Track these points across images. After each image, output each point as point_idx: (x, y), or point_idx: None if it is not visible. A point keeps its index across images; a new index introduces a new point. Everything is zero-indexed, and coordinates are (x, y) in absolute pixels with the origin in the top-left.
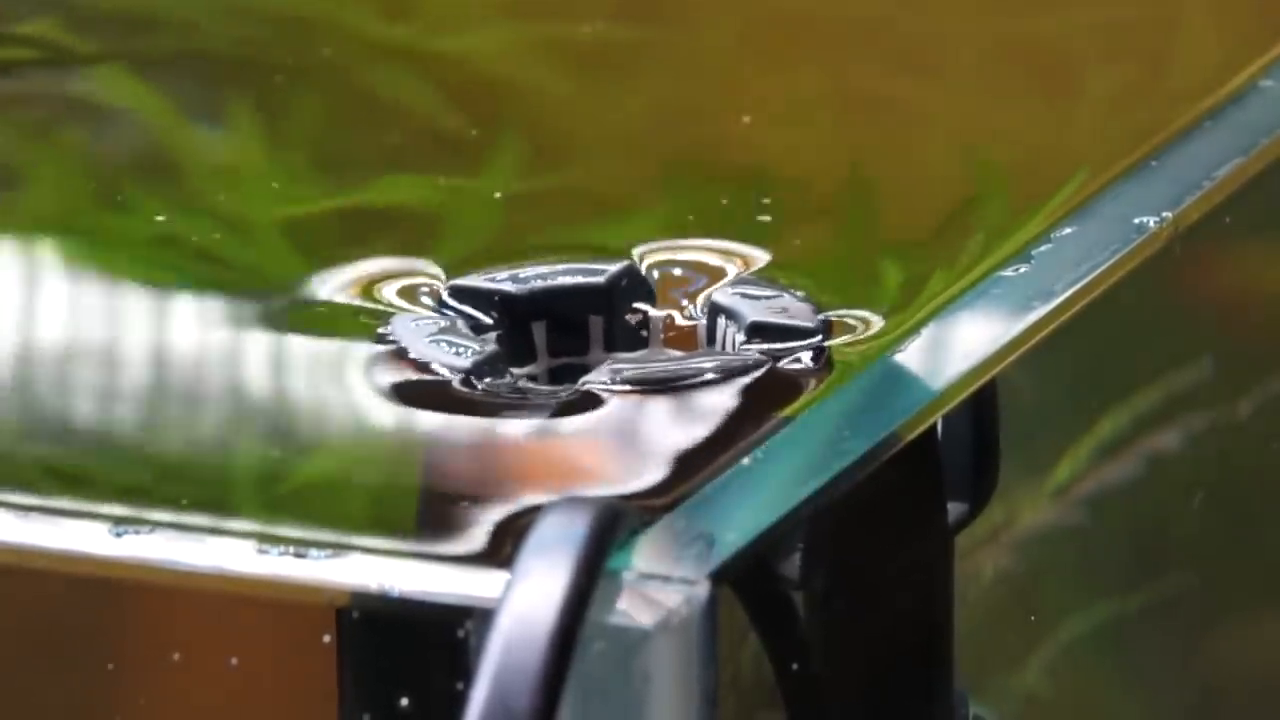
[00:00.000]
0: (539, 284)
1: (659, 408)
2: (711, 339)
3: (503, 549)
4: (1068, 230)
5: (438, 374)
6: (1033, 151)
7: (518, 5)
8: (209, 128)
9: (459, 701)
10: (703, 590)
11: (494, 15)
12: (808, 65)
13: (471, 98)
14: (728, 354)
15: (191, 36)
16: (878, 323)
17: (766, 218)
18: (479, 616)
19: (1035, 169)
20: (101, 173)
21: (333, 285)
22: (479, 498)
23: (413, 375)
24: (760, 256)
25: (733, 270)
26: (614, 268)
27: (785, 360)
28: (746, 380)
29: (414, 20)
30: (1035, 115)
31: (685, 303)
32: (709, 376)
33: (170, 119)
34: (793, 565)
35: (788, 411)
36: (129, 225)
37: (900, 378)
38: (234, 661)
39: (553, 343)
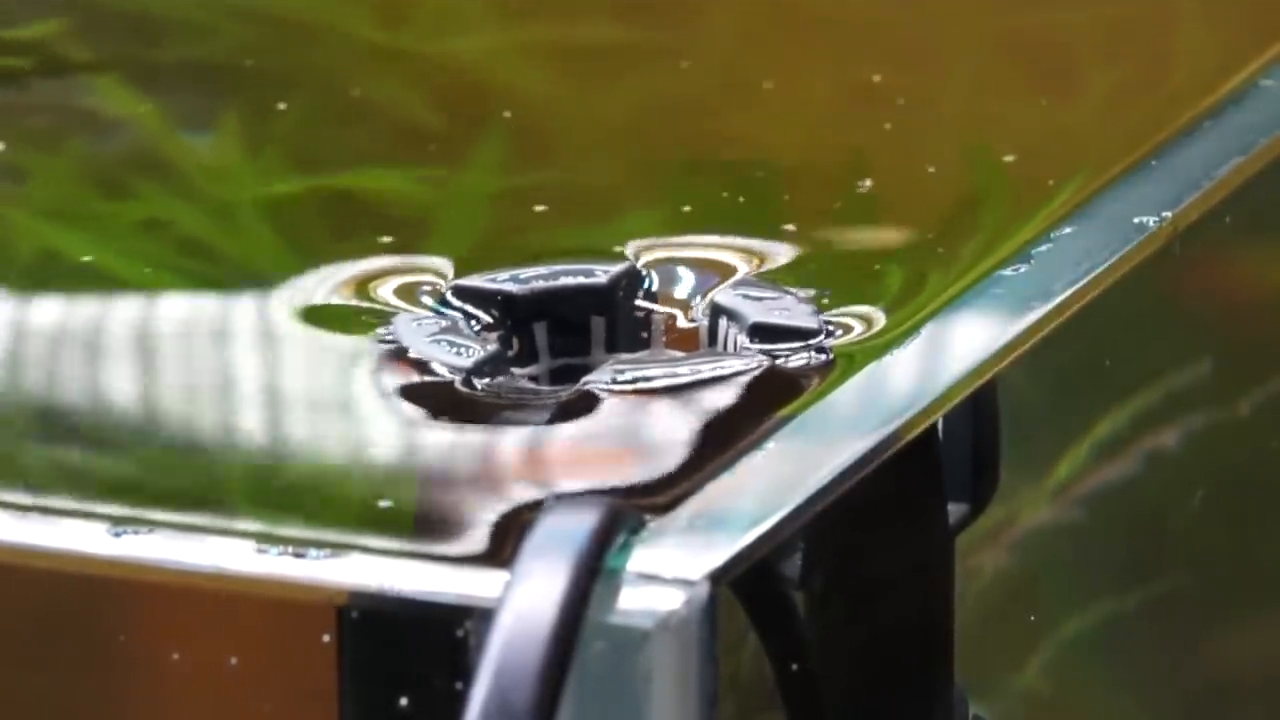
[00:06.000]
0: (540, 284)
1: (659, 407)
2: (713, 340)
3: (503, 549)
4: (1068, 230)
5: (438, 374)
6: (1033, 151)
7: (511, 7)
8: (202, 133)
9: (459, 701)
10: (702, 590)
11: (490, 19)
12: (806, 64)
13: (466, 100)
14: (728, 354)
15: (189, 41)
16: (878, 322)
17: (766, 218)
18: (479, 616)
19: (1035, 169)
20: (96, 173)
21: (332, 285)
22: (479, 497)
23: (413, 375)
24: (760, 257)
25: (733, 270)
26: (615, 268)
27: (786, 360)
28: (747, 380)
29: (409, 24)
30: (1036, 115)
31: (690, 302)
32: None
33: (163, 128)
34: (793, 565)
35: (788, 411)
36: (118, 220)
37: (900, 378)
38: (234, 661)
39: (554, 343)
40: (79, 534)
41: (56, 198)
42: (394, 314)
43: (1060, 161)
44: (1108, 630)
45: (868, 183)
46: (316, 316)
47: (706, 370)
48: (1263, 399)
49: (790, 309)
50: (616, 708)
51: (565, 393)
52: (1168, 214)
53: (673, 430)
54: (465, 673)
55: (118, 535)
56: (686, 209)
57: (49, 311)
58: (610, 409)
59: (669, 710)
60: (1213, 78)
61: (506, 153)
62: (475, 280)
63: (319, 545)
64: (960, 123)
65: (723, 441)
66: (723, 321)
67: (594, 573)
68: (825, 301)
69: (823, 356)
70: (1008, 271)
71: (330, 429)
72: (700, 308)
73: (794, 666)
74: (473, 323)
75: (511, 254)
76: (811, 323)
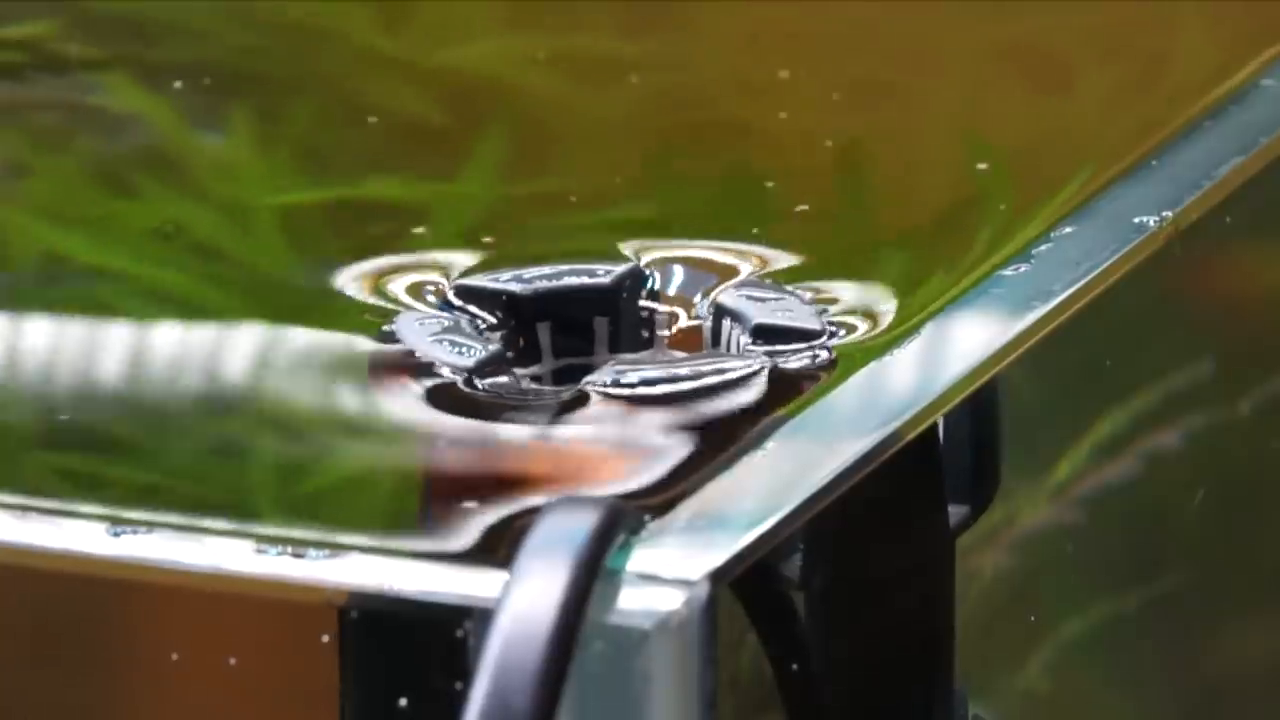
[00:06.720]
0: (544, 285)
1: (660, 407)
2: (716, 340)
3: (502, 549)
4: (1068, 230)
5: (441, 373)
6: (1034, 151)
7: (515, 17)
8: (210, 134)
9: (458, 701)
10: (702, 590)
11: (493, 27)
12: (807, 69)
13: (468, 106)
14: (730, 355)
15: (193, 44)
16: (878, 323)
17: (768, 218)
18: (478, 616)
19: (1036, 168)
20: (102, 172)
21: (333, 285)
22: (479, 497)
23: (416, 375)
24: (762, 258)
25: (736, 271)
26: (619, 269)
27: (788, 360)
28: (749, 380)
29: (412, 31)
30: (1037, 114)
31: (695, 302)
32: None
33: (173, 125)
34: (793, 565)
35: (788, 411)
36: (129, 220)
37: (900, 378)
38: (233, 661)
39: (557, 343)
40: (79, 534)
41: (60, 197)
42: (396, 314)
43: (1061, 161)
44: (1108, 630)
45: (870, 184)
46: (317, 317)
47: (708, 371)
48: (1263, 399)
49: (794, 310)
50: (616, 708)
51: (566, 393)
52: (1168, 214)
53: (673, 430)
54: (465, 673)
55: (118, 535)
56: (690, 212)
57: (53, 312)
58: (611, 409)
59: (669, 710)
60: (1213, 78)
61: (510, 157)
62: (479, 280)
63: (319, 545)
64: (961, 123)
65: (723, 441)
66: (726, 322)
67: (594, 573)
68: (826, 297)
69: (825, 357)
70: (1008, 271)
71: (331, 429)
72: (704, 308)
73: (794, 666)
74: (476, 322)
75: (516, 255)
76: (814, 324)
